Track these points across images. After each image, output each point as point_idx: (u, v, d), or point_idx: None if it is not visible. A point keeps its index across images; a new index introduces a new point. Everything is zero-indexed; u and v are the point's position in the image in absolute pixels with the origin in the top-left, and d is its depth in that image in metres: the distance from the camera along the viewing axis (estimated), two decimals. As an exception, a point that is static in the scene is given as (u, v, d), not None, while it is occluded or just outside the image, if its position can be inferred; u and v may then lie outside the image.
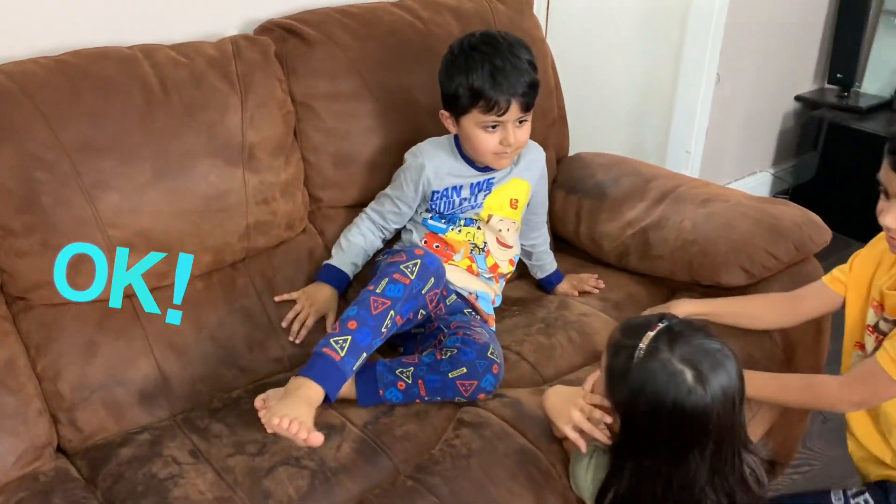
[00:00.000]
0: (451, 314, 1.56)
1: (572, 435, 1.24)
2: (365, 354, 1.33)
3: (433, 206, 1.62)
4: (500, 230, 1.66)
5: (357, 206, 1.72)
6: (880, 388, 1.26)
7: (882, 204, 1.24)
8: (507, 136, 1.51)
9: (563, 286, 1.84)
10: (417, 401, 1.43)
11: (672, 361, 1.07)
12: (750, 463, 1.14)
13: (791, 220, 1.72)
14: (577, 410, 1.24)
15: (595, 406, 1.21)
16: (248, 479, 1.31)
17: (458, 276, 1.62)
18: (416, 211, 1.65)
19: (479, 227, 1.64)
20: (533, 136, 1.96)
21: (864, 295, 1.39)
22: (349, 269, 1.62)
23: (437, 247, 1.62)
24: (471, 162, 1.60)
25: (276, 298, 1.59)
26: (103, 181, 1.40)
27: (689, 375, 1.06)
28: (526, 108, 1.50)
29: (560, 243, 2.01)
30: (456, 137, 1.61)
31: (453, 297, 1.59)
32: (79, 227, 1.39)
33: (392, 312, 1.34)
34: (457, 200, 1.60)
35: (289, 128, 1.63)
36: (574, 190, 1.99)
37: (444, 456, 1.33)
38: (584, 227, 1.93)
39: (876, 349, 1.29)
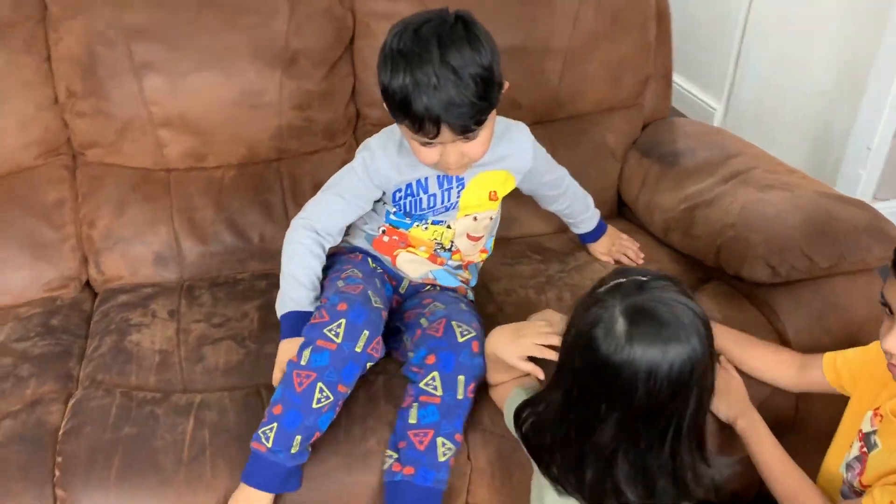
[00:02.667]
0: (409, 302, 1.45)
1: (526, 366, 1.19)
2: (300, 437, 1.21)
3: (397, 205, 1.40)
4: (476, 221, 1.45)
5: (400, 129, 1.77)
6: None
7: (886, 324, 1.06)
8: (445, 156, 1.23)
9: (600, 246, 1.70)
10: None
11: (613, 306, 0.96)
12: (689, 465, 1.00)
13: (850, 223, 1.48)
14: (532, 337, 1.19)
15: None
16: (196, 342, 1.46)
17: (413, 266, 1.46)
18: (374, 204, 1.43)
19: (448, 227, 1.43)
20: (620, 93, 1.89)
21: (866, 399, 1.20)
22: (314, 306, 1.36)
23: (395, 238, 1.44)
24: None
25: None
26: (151, 63, 1.59)
27: (619, 326, 0.94)
28: (463, 130, 1.19)
29: (621, 208, 1.91)
30: None
31: (406, 283, 1.47)
32: (126, 99, 1.60)
33: (320, 385, 1.21)
34: (424, 198, 1.38)
35: (340, 42, 1.71)
36: (648, 154, 1.86)
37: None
38: (644, 194, 1.81)
39: (857, 469, 1.16)
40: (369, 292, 1.30)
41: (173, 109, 1.62)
